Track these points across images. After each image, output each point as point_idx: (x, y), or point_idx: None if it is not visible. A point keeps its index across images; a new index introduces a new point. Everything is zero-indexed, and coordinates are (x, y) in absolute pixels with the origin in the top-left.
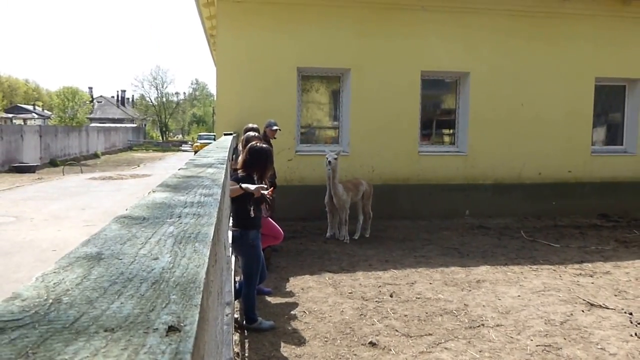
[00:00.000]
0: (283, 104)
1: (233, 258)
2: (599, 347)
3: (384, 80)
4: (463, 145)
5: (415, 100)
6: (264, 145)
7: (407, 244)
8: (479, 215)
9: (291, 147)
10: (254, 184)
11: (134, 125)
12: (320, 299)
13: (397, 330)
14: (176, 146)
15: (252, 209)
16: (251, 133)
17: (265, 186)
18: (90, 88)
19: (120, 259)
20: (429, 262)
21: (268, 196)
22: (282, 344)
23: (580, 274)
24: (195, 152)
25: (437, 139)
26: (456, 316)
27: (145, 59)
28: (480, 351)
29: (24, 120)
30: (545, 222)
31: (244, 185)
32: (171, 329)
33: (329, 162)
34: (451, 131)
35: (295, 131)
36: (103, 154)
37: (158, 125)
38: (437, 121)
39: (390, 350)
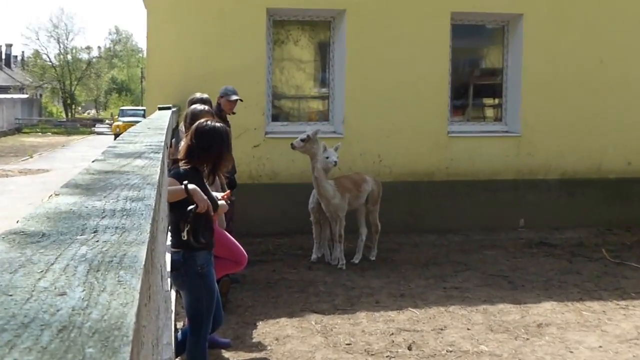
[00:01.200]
0: (246, 63)
1: (173, 293)
2: None
3: (395, 27)
4: (514, 121)
5: (443, 57)
6: (218, 124)
7: (432, 270)
8: (539, 227)
9: (259, 127)
10: (203, 182)
11: (25, 96)
12: (303, 354)
13: None
14: (87, 126)
15: (201, 220)
16: (199, 106)
17: (220, 196)
18: None
19: (10, 295)
20: (465, 297)
21: (224, 200)
22: None
23: None
24: (116, 135)
25: (475, 112)
26: None
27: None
28: None
29: None
30: (638, 236)
31: (190, 187)
32: None
33: (293, 146)
34: (496, 101)
35: (264, 103)
36: None
37: (60, 95)
38: (475, 87)
39: None
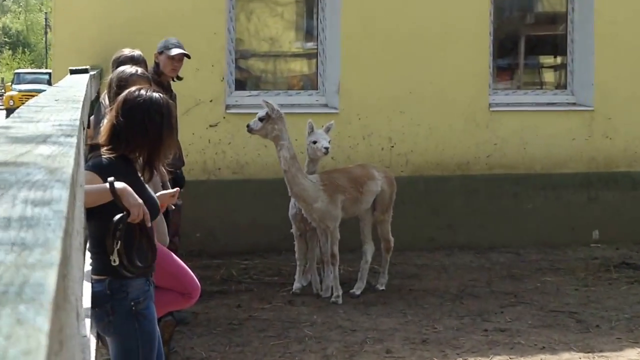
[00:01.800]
0: (197, 6)
1: (94, 340)
2: None
3: None
4: (584, 90)
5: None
6: (155, 94)
7: (467, 305)
8: (620, 241)
9: (216, 99)
10: (137, 177)
11: None
12: None
13: None
14: None
15: (133, 239)
16: (128, 69)
17: (171, 192)
18: None
19: None
20: (516, 344)
21: (168, 206)
22: None
23: None
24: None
25: (528, 77)
26: None
27: None
28: None
29: None
30: None
31: (118, 186)
32: None
33: (249, 128)
34: (558, 61)
35: (224, 64)
36: None
37: None
38: (527, 40)
39: None
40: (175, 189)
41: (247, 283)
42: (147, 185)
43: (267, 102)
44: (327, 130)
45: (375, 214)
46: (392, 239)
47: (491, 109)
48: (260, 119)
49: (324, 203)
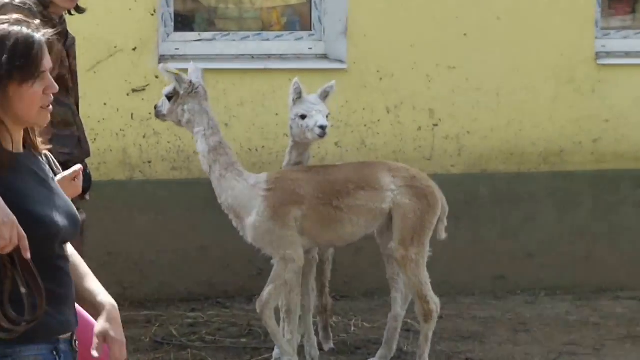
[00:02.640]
0: None
1: None
2: None
3: None
4: None
5: None
6: (31, 32)
7: None
8: None
9: (144, 45)
10: (16, 170)
11: None
12: None
13: None
14: None
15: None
16: None
17: (70, 174)
18: None
19: None
20: None
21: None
22: None
23: None
24: None
25: None
26: None
27: None
28: None
29: None
30: None
31: None
32: None
33: (157, 111)
34: None
35: None
36: None
37: None
38: None
39: None
40: (76, 167)
41: (196, 348)
42: (52, 184)
43: (170, 70)
44: (324, 96)
45: (390, 246)
46: (432, 297)
47: (598, 61)
48: (168, 98)
49: (261, 218)
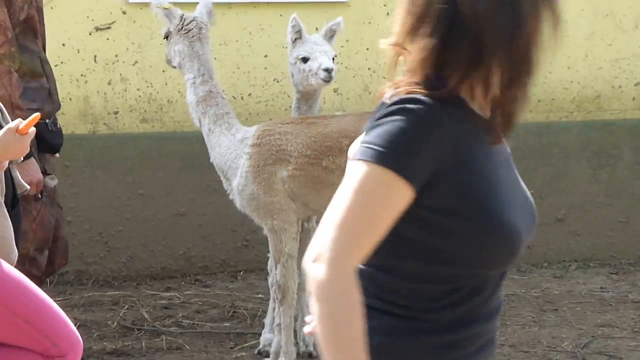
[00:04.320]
0: None
1: None
2: None
3: None
4: None
5: None
6: None
7: None
8: None
9: None
10: None
11: None
12: None
13: None
14: None
15: None
16: None
17: (20, 124)
18: None
19: None
20: None
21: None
22: None
23: None
24: None
25: None
26: None
27: None
28: None
29: None
30: None
31: None
32: None
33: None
34: None
35: None
36: None
37: None
38: None
39: None
40: (34, 115)
41: (171, 334)
42: None
43: (160, 5)
44: (330, 35)
45: None
46: None
47: None
48: (165, 39)
49: (244, 180)
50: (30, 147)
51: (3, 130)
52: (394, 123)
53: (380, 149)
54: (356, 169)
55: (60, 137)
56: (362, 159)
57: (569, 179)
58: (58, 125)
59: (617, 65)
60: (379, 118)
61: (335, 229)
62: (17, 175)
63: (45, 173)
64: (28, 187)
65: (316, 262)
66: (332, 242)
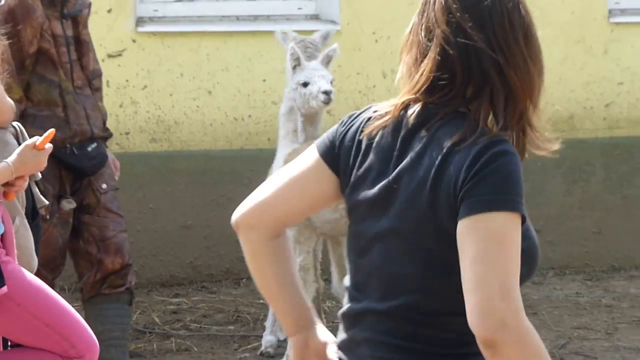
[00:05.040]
0: None
1: None
2: None
3: None
4: None
5: None
6: None
7: None
8: None
9: (120, 6)
10: None
11: None
12: None
13: None
14: None
15: None
16: None
17: (37, 141)
18: None
19: None
20: None
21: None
22: None
23: None
24: None
25: None
26: None
27: None
28: None
29: None
30: None
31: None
32: None
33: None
34: None
35: None
36: None
37: None
38: None
39: None
40: (49, 131)
41: (180, 337)
42: None
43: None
44: (327, 61)
45: None
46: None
47: (612, 20)
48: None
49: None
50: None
51: (21, 146)
52: (513, 168)
53: (520, 199)
54: (505, 221)
55: (91, 160)
56: (508, 210)
57: (545, 193)
58: (88, 149)
59: (588, 88)
60: (490, 162)
61: (513, 288)
62: (37, 190)
63: (62, 196)
64: (47, 202)
65: (504, 323)
66: (515, 302)
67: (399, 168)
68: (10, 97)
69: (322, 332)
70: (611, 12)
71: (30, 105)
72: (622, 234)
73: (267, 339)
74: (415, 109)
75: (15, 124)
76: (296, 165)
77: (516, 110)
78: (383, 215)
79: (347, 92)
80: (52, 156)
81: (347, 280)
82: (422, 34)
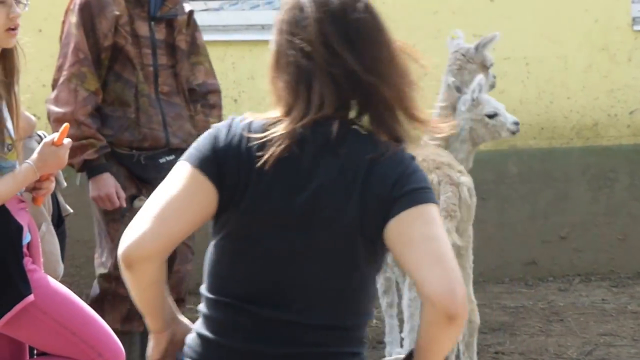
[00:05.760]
0: None
1: None
2: None
3: None
4: None
5: None
6: None
7: None
8: None
9: None
10: None
11: None
12: None
13: None
14: None
15: None
16: None
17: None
18: None
19: None
20: None
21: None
22: None
23: None
24: None
25: None
26: None
27: None
28: None
29: None
30: None
31: None
32: None
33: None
34: None
35: None
36: None
37: None
38: None
39: None
40: (64, 126)
41: None
42: None
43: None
44: (491, 85)
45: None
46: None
47: (636, 28)
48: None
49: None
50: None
51: (40, 145)
52: (422, 169)
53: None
54: (436, 210)
55: (160, 172)
56: (435, 202)
57: (570, 200)
58: (160, 160)
59: (612, 95)
60: (409, 167)
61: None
62: (61, 198)
63: (135, 196)
64: (71, 210)
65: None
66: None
67: (315, 184)
68: (85, 87)
69: (187, 323)
70: (635, 20)
71: (105, 104)
72: None
73: (396, 350)
74: (316, 126)
75: (40, 132)
76: (172, 185)
77: (396, 119)
78: (303, 231)
79: None
80: (120, 162)
81: (218, 289)
82: (299, 54)
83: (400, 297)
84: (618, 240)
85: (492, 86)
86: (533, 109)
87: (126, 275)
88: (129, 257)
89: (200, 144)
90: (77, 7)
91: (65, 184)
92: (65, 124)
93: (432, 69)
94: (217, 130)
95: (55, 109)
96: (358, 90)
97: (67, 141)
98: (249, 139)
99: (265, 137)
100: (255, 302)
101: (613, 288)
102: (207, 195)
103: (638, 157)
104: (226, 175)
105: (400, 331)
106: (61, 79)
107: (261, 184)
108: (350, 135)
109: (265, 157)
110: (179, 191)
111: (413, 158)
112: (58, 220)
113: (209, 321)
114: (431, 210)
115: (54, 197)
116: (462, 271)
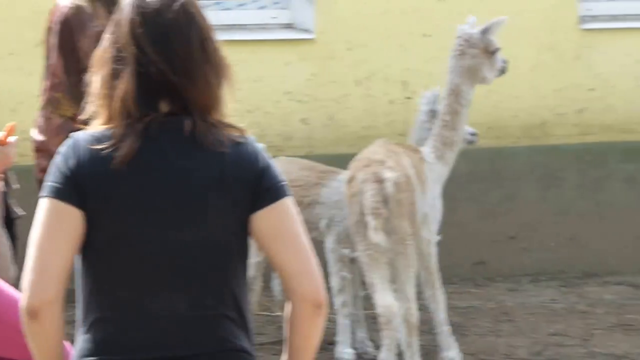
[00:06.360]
0: None
1: None
2: None
3: None
4: None
5: None
6: None
7: None
8: None
9: None
10: None
11: None
12: None
13: None
14: None
15: None
16: None
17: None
18: None
19: None
20: None
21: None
22: None
23: None
24: None
25: None
26: None
27: None
28: None
29: None
30: None
31: None
32: None
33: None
34: None
35: None
36: None
37: None
38: None
39: None
40: (9, 124)
41: None
42: None
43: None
44: (502, 70)
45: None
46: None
47: (583, 26)
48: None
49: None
50: None
51: None
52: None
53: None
54: (293, 202)
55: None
56: (290, 195)
57: (519, 199)
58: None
59: (559, 94)
60: (261, 158)
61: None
62: (12, 200)
63: None
64: (23, 212)
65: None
66: None
67: (176, 181)
68: (59, 113)
69: None
70: (582, 19)
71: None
72: (596, 240)
73: (346, 351)
74: (159, 123)
75: None
76: (39, 226)
77: (209, 119)
78: (175, 225)
79: (321, 101)
80: None
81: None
82: (115, 54)
83: (356, 296)
84: (567, 240)
85: (502, 71)
86: (481, 108)
87: (32, 329)
88: (32, 306)
89: (51, 174)
90: (57, 26)
91: (17, 185)
92: (12, 122)
93: (382, 67)
94: (63, 154)
95: (35, 137)
96: (166, 91)
97: (13, 139)
98: (98, 150)
99: (111, 143)
100: (143, 300)
101: (562, 288)
102: (74, 220)
103: (586, 156)
104: (87, 194)
105: (353, 331)
106: (40, 105)
107: (123, 188)
108: (199, 129)
109: (118, 160)
110: (46, 229)
111: (262, 148)
112: (8, 222)
113: (92, 343)
114: (291, 204)
115: (2, 197)
116: (403, 270)
